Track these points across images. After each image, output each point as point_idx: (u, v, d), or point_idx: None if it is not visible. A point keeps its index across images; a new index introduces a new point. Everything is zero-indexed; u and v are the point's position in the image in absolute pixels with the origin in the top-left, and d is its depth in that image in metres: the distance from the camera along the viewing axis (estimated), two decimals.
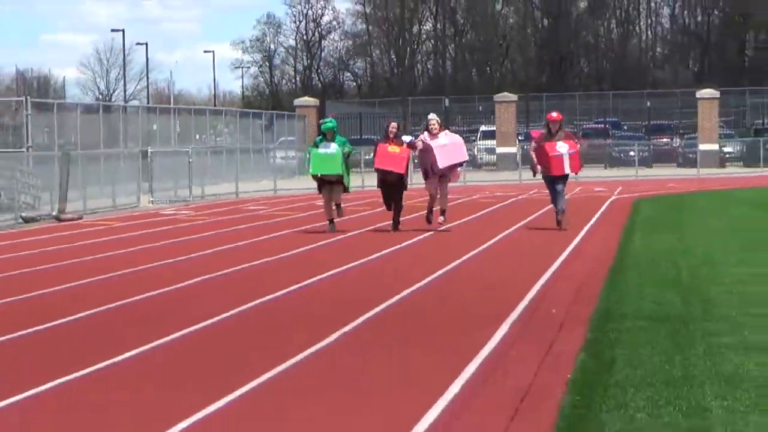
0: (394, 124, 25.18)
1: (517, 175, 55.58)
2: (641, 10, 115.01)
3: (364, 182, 44.71)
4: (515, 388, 9.54)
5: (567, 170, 24.32)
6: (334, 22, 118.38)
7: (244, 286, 16.88)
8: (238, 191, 48.08)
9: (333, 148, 24.73)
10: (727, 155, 70.04)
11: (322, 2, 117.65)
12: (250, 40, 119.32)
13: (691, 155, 67.36)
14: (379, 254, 20.67)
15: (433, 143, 24.09)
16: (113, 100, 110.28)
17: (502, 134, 70.89)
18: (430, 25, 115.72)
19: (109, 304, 15.03)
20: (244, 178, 50.14)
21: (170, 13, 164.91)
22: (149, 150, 44.98)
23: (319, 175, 24.88)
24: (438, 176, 24.33)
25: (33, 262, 21.36)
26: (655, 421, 8.27)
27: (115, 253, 22.94)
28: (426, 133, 24.52)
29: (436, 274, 17.48)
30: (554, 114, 25.26)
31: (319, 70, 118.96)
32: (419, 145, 24.44)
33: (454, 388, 9.59)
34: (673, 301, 14.08)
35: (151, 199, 42.52)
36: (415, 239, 23.31)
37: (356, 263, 19.45)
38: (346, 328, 12.57)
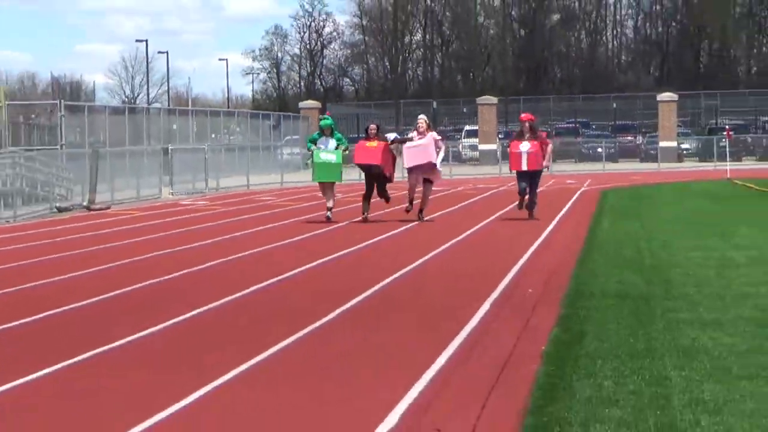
0: (373, 126, 25.08)
1: (497, 169, 55.70)
2: (608, 22, 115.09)
3: (361, 176, 44.57)
4: (495, 359, 9.52)
5: (524, 167, 24.13)
6: (335, 33, 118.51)
7: (246, 271, 16.84)
8: (249, 184, 48.07)
9: (332, 146, 24.65)
10: (685, 151, 70.12)
11: (323, 15, 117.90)
12: (260, 49, 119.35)
13: (652, 151, 67.48)
14: (366, 243, 20.40)
15: (406, 145, 24.02)
16: (137, 102, 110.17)
17: (484, 133, 70.95)
18: (420, 36, 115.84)
19: (134, 285, 15.01)
20: (254, 172, 50.13)
21: (188, 26, 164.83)
22: (170, 147, 44.95)
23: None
24: (420, 174, 24.17)
25: (66, 248, 21.34)
26: (621, 388, 8.25)
27: (138, 239, 22.92)
28: (415, 131, 24.49)
29: (421, 260, 17.41)
30: (523, 114, 25.34)
31: (321, 76, 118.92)
32: (390, 136, 24.49)
33: (441, 360, 9.57)
34: (636, 281, 14.06)
35: (171, 191, 42.49)
36: (399, 229, 23.10)
37: (344, 252, 19.26)
38: (338, 310, 12.51)
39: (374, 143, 24.27)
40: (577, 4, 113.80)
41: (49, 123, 45.38)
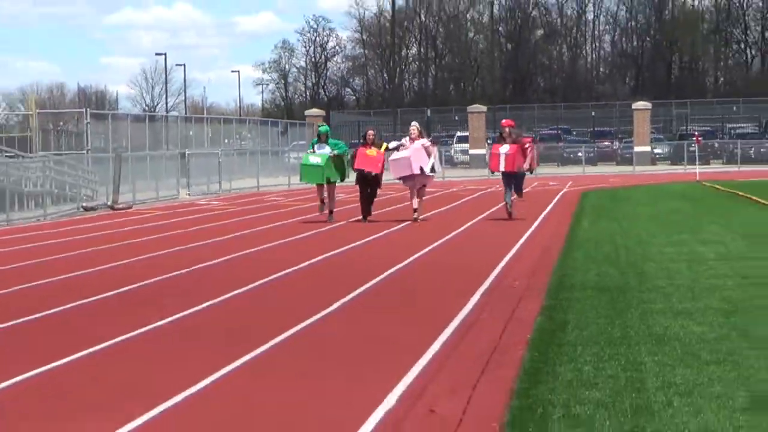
0: (371, 132, 24.83)
1: (486, 171, 55.56)
2: (587, 37, 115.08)
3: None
4: (485, 346, 9.51)
5: (502, 168, 23.99)
6: (337, 47, 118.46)
7: (253, 267, 16.82)
8: (259, 185, 48.05)
9: (326, 151, 24.34)
10: (658, 155, 70.08)
11: (327, 31, 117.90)
12: (269, 62, 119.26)
13: (627, 155, 67.42)
14: (362, 241, 20.18)
15: (391, 157, 23.77)
16: (157, 111, 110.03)
17: (474, 138, 70.89)
18: (415, 49, 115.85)
19: (154, 278, 15.01)
20: (263, 175, 50.13)
21: (204, 40, 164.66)
22: (186, 152, 44.95)
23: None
24: (415, 178, 23.87)
25: (92, 243, 21.35)
26: (600, 372, 8.24)
27: (158, 236, 22.92)
28: (408, 137, 24.30)
29: (415, 256, 17.37)
30: (504, 121, 25.32)
31: (324, 87, 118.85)
32: (392, 145, 24.27)
33: (435, 347, 9.57)
34: (613, 274, 14.06)
35: (187, 192, 42.49)
36: (392, 229, 22.89)
37: (344, 248, 19.20)
38: (339, 302, 12.49)
39: (374, 152, 24.10)
40: (559, 20, 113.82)
41: (76, 130, 45.38)
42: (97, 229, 25.77)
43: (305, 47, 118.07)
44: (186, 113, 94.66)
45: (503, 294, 12.72)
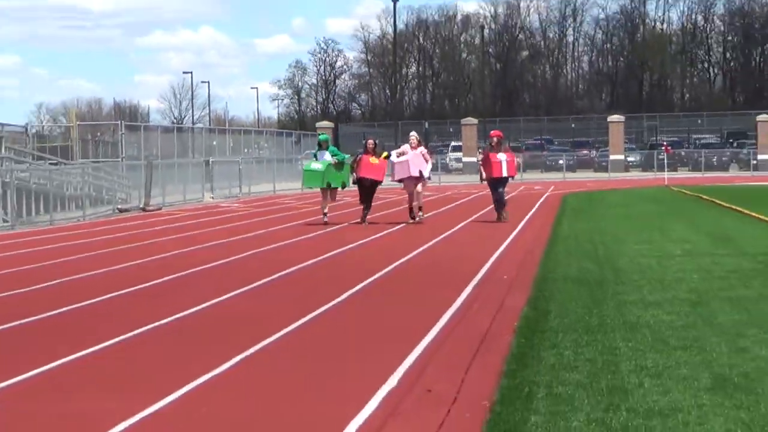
0: (371, 141, 24.60)
1: (478, 177, 55.54)
2: (567, 57, 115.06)
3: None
4: (477, 332, 9.50)
5: (505, 173, 23.86)
6: (345, 66, 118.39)
7: (268, 262, 16.81)
8: (275, 189, 48.04)
9: (327, 157, 24.04)
10: (630, 163, 70.02)
11: (335, 51, 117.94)
12: (284, 80, 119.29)
13: (603, 163, 67.39)
14: (362, 241, 19.97)
15: (396, 160, 23.61)
16: (184, 123, 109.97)
17: (467, 147, 70.95)
18: (414, 68, 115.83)
19: (186, 270, 15.01)
20: (279, 180, 50.09)
21: (226, 60, 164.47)
22: (210, 159, 44.94)
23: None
24: (414, 181, 23.70)
25: (127, 241, 21.35)
26: (579, 356, 8.23)
27: (186, 234, 22.92)
28: (407, 145, 24.09)
29: (413, 253, 17.36)
30: (492, 132, 25.25)
31: (333, 102, 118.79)
32: (393, 157, 23.97)
33: (432, 333, 9.56)
34: (591, 269, 14.04)
35: (211, 195, 42.47)
36: (390, 230, 22.64)
37: (344, 248, 19.14)
38: (345, 295, 12.49)
39: (376, 160, 23.91)
40: (542, 42, 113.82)
41: (112, 140, 45.32)
42: (130, 228, 25.77)
43: (316, 66, 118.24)
44: (210, 125, 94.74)
45: (493, 286, 12.71)
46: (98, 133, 52.49)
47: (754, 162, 64.08)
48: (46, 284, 13.98)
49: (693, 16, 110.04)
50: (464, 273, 13.94)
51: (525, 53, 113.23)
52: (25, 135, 39.00)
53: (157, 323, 10.40)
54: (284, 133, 66.52)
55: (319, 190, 24.37)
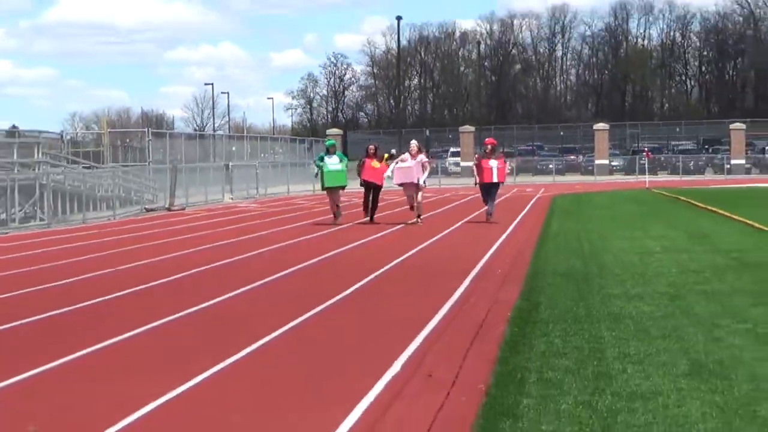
0: (372, 147, 24.46)
1: (474, 181, 55.43)
2: (557, 70, 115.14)
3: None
4: (473, 322, 9.50)
5: (495, 179, 23.71)
6: (353, 79, 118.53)
7: (281, 257, 16.79)
8: (289, 191, 48.04)
9: (336, 160, 23.97)
10: (614, 167, 69.88)
11: (344, 65, 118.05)
12: (297, 91, 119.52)
13: (590, 167, 67.32)
14: (367, 239, 19.90)
15: (397, 165, 23.42)
16: (205, 130, 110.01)
17: (464, 153, 70.96)
18: (416, 81, 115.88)
19: (205, 266, 15.00)
20: (292, 183, 50.09)
21: (244, 73, 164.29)
22: (230, 164, 44.90)
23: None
24: (412, 186, 23.48)
25: (154, 238, 21.36)
26: (567, 344, 8.23)
27: (207, 232, 22.93)
28: (407, 154, 23.83)
29: (413, 251, 17.30)
30: (487, 139, 25.17)
31: (342, 111, 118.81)
32: (395, 162, 23.74)
33: (432, 324, 9.55)
34: (578, 264, 14.03)
35: (230, 196, 42.46)
36: (391, 230, 22.43)
37: (350, 246, 19.15)
38: (352, 288, 12.48)
39: (378, 164, 23.82)
40: (533, 57, 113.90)
41: (140, 145, 45.30)
42: (156, 226, 25.78)
43: (327, 78, 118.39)
44: (229, 132, 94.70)
45: (488, 280, 12.70)
46: (127, 140, 52.49)
47: (728, 166, 64.16)
48: (81, 277, 13.99)
49: (672, 33, 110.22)
50: (461, 267, 13.91)
51: (518, 67, 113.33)
52: (60, 141, 39.08)
53: (187, 311, 10.39)
54: (297, 139, 66.38)
55: (327, 193, 24.35)
